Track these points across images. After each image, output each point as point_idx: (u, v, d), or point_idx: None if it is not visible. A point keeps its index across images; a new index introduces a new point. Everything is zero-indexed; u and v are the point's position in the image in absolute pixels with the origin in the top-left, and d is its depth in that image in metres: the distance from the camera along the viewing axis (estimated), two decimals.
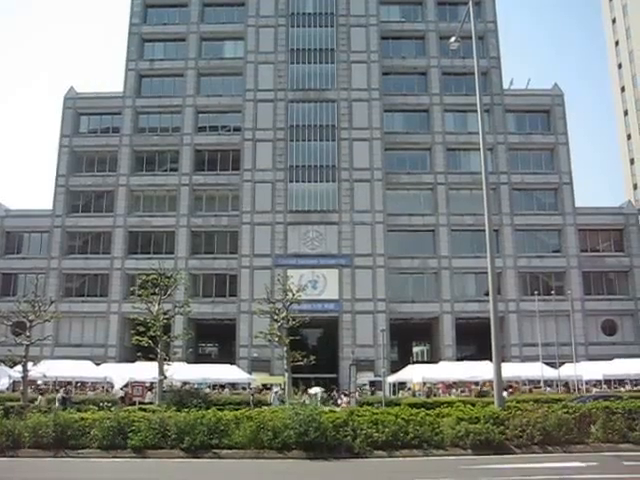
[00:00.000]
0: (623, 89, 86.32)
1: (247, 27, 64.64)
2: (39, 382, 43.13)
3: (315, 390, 42.71)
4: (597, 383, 44.58)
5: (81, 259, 60.17)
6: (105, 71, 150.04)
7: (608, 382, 44.99)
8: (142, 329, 31.71)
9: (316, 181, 60.01)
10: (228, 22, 66.08)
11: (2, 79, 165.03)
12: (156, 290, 33.26)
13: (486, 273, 21.52)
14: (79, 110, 64.28)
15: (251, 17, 64.84)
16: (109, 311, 58.34)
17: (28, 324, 33.93)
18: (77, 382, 44.74)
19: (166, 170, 63.00)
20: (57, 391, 34.36)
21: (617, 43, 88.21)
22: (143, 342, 31.74)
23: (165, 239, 60.57)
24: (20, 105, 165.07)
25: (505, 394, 37.99)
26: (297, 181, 60.01)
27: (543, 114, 64.54)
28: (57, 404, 25.75)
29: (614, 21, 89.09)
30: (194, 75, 64.48)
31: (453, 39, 24.34)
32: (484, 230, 21.20)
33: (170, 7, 67.30)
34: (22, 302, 34.78)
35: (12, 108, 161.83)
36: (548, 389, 43.51)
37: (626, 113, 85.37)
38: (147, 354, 32.88)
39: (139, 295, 33.38)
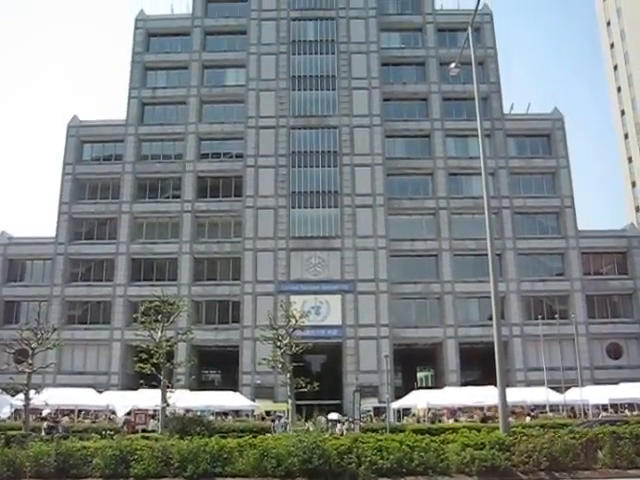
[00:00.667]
0: (623, 112, 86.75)
1: (249, 55, 65.23)
2: (45, 412, 42.84)
3: (333, 416, 42.67)
4: (603, 407, 44.15)
5: (84, 286, 60.14)
6: (108, 99, 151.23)
7: (615, 406, 44.59)
8: (145, 356, 31.55)
9: (318, 207, 60.12)
10: (230, 50, 66.78)
11: (8, 108, 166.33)
12: (159, 317, 33.17)
13: (489, 297, 21.43)
14: (82, 138, 64.69)
15: (253, 45, 65.46)
16: (112, 338, 58.16)
17: (30, 352, 33.80)
18: (79, 410, 44.46)
19: (168, 197, 63.20)
20: (53, 419, 34.10)
21: (616, 67, 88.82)
22: (146, 369, 31.54)
23: (168, 266, 60.56)
24: (24, 133, 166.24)
25: (528, 419, 37.71)
26: (299, 207, 60.13)
27: (544, 138, 64.80)
28: (43, 433, 25.48)
29: (612, 46, 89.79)
30: (196, 103, 64.95)
31: (453, 65, 24.47)
32: (487, 254, 21.16)
33: (172, 36, 68.01)
34: (24, 330, 34.69)
35: (16, 136, 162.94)
36: (551, 414, 43.04)
37: (626, 136, 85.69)
38: (150, 381, 32.71)
39: (142, 322, 33.25)
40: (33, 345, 33.80)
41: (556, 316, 54.38)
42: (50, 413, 38.56)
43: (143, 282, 58.84)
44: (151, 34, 68.29)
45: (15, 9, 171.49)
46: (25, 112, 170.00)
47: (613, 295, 61.08)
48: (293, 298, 54.70)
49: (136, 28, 67.92)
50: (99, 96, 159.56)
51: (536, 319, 54.27)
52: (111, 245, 60.94)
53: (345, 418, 43.15)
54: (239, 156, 62.93)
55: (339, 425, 39.31)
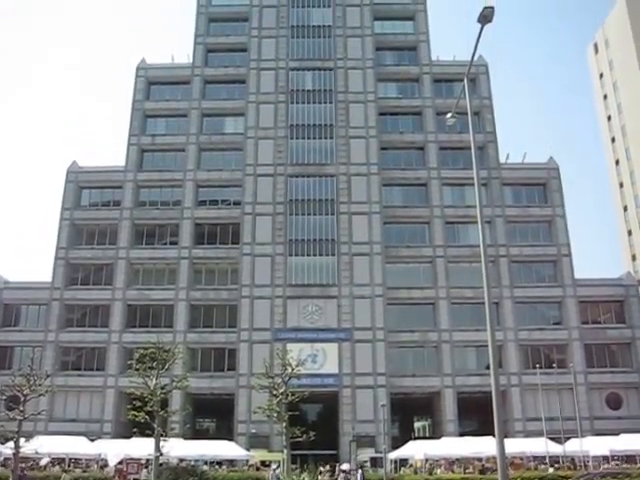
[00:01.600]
0: (617, 162, 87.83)
1: (248, 103, 66.07)
2: (43, 461, 42.11)
3: (345, 467, 42.29)
4: (604, 459, 43.56)
5: (79, 332, 59.68)
6: (107, 145, 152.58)
7: (615, 458, 43.99)
8: (139, 404, 31.22)
9: (315, 255, 60.16)
10: (229, 99, 67.68)
11: (5, 151, 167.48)
12: (154, 364, 32.93)
13: (487, 346, 21.26)
14: (81, 184, 65.00)
15: (252, 94, 66.36)
16: (105, 385, 57.48)
17: (22, 398, 33.41)
18: (70, 459, 43.71)
19: (166, 243, 63.24)
20: (21, 469, 33.46)
21: (609, 118, 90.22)
22: (139, 417, 31.18)
23: (164, 312, 60.23)
24: (22, 178, 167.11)
25: (551, 470, 37.02)
26: (296, 255, 60.16)
27: (540, 187, 65.26)
28: None
29: (605, 97, 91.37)
30: (195, 150, 65.51)
31: (449, 115, 24.70)
32: (484, 303, 21.09)
33: (173, 84, 68.98)
34: (17, 376, 34.35)
35: (15, 181, 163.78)
36: (551, 469, 42.36)
37: (621, 185, 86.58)
38: (143, 430, 32.28)
39: (136, 369, 33.00)
40: (25, 392, 33.45)
41: (554, 365, 53.93)
42: (38, 462, 37.99)
43: (139, 328, 58.51)
44: (152, 82, 69.27)
45: (18, 55, 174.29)
46: (24, 157, 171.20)
47: (611, 344, 60.71)
48: (290, 346, 54.50)
49: (137, 76, 68.91)
50: (98, 142, 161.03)
51: (534, 368, 53.84)
52: (107, 291, 60.70)
53: (354, 467, 42.70)
54: (237, 203, 63.20)
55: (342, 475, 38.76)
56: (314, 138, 64.26)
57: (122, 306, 60.08)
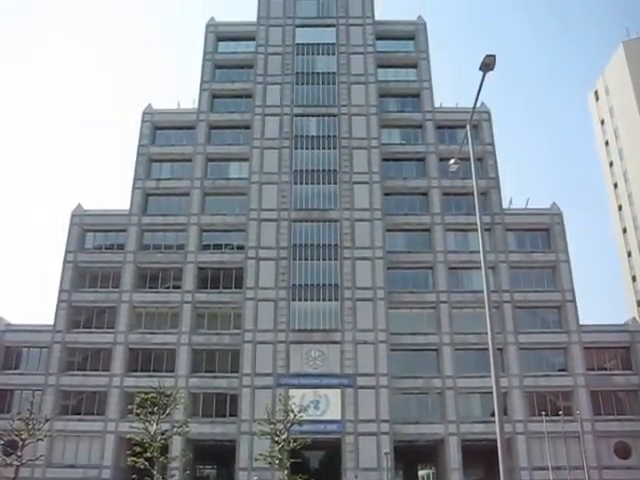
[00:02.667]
0: (620, 207, 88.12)
1: (252, 149, 66.65)
2: None
3: None
4: None
5: (79, 376, 59.21)
6: (112, 188, 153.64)
7: None
8: (139, 450, 30.82)
9: (319, 300, 59.94)
10: (234, 144, 68.32)
11: (10, 191, 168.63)
12: (155, 409, 32.63)
13: (492, 393, 21.04)
14: (85, 227, 65.26)
15: (256, 139, 67.00)
16: (105, 430, 56.76)
17: (20, 443, 33.02)
18: None
19: (169, 287, 63.15)
20: None
21: (611, 164, 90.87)
22: (139, 463, 30.77)
23: (166, 357, 59.84)
24: (25, 220, 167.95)
25: None
26: (300, 300, 59.96)
27: (543, 232, 65.30)
28: None
29: (607, 143, 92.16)
30: (199, 194, 65.87)
31: (452, 161, 24.89)
32: (488, 349, 20.91)
33: (178, 129, 69.75)
34: (16, 420, 34.01)
35: (17, 222, 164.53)
36: None
37: (625, 230, 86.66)
38: (143, 476, 31.86)
39: (137, 414, 32.69)
40: (24, 436, 33.10)
41: (560, 412, 53.26)
42: None
43: (140, 373, 58.07)
44: (157, 127, 70.05)
45: (26, 93, 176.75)
46: (29, 198, 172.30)
47: (618, 391, 59.87)
48: (292, 392, 54.00)
49: (143, 121, 69.72)
50: (103, 185, 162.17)
51: (540, 415, 53.17)
52: (109, 334, 60.41)
53: None
54: (240, 248, 63.30)
55: None
56: (318, 183, 64.63)
57: (124, 350, 59.73)
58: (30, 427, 33.35)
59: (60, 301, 61.72)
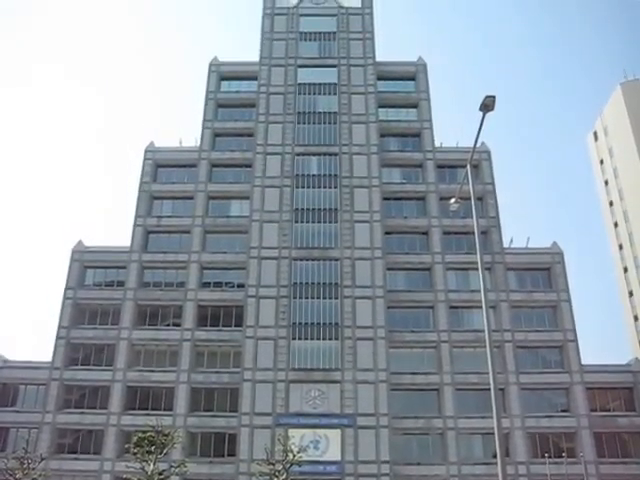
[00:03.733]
0: (621, 247, 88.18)
1: (253, 187, 66.96)
2: None
3: None
4: None
5: (77, 414, 58.56)
6: (113, 225, 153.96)
7: None
8: None
9: (319, 339, 59.62)
10: (235, 182, 68.65)
11: (9, 227, 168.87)
12: (152, 448, 32.22)
13: (493, 434, 20.79)
14: (85, 263, 65.23)
15: (257, 178, 67.35)
16: (102, 470, 55.95)
17: None
18: None
19: (169, 325, 62.88)
20: None
21: (611, 203, 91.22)
22: None
23: (164, 395, 59.29)
24: (25, 255, 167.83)
25: None
26: (300, 338, 59.63)
27: (544, 271, 65.19)
28: None
29: (606, 183, 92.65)
30: (200, 232, 65.98)
31: (453, 200, 25.02)
32: (490, 389, 20.72)
33: (180, 167, 70.17)
34: (11, 459, 33.57)
35: (17, 258, 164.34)
36: None
37: (626, 270, 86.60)
38: None
39: (134, 453, 32.27)
40: (18, 476, 32.64)
41: (564, 454, 52.55)
42: None
43: (138, 411, 57.49)
44: (159, 165, 70.48)
45: (30, 130, 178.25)
46: (28, 234, 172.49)
47: (622, 433, 59.06)
48: (291, 432, 53.44)
49: (145, 159, 70.19)
50: (105, 222, 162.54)
51: (543, 457, 52.45)
52: (107, 372, 59.95)
53: None
54: (241, 286, 63.17)
55: None
56: (319, 222, 64.78)
57: (122, 387, 59.23)
58: (25, 466, 32.87)
59: (59, 338, 61.40)
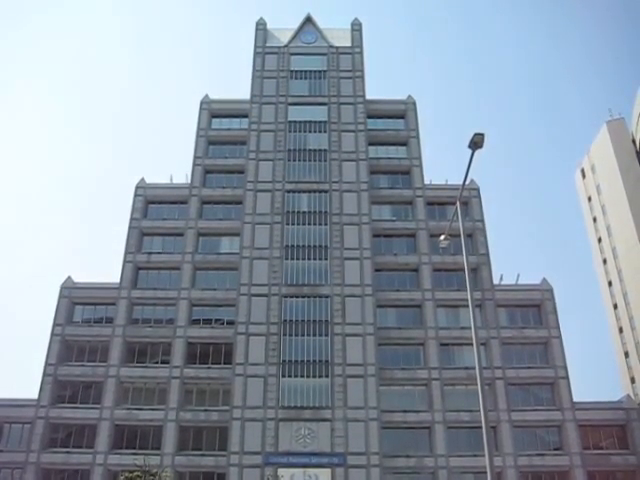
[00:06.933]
0: (610, 283, 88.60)
1: (243, 224, 67.00)
2: None
3: None
4: None
5: (62, 453, 57.49)
6: (102, 261, 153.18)
7: None
8: None
9: (309, 376, 59.16)
10: (225, 219, 68.71)
11: None
12: None
13: (486, 473, 20.56)
14: (74, 300, 64.76)
15: (248, 215, 67.43)
16: None
17: None
18: None
19: (157, 362, 62.27)
20: None
21: (600, 240, 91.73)
22: None
23: (152, 434, 58.43)
24: (12, 291, 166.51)
25: None
26: (290, 376, 59.15)
27: (534, 308, 65.20)
28: None
29: (595, 220, 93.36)
30: (190, 269, 65.78)
31: (442, 237, 25.14)
32: (481, 427, 20.55)
33: (170, 204, 70.23)
34: None
35: (4, 293, 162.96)
36: None
37: (615, 306, 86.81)
38: None
39: None
40: None
41: None
42: None
43: (125, 450, 56.56)
44: (150, 201, 70.53)
45: (18, 173, 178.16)
46: (16, 270, 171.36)
47: (616, 471, 58.32)
48: (281, 471, 52.72)
49: (136, 195, 70.24)
50: (93, 258, 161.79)
51: None
52: (95, 410, 59.09)
53: None
54: (230, 323, 62.80)
55: None
56: (309, 259, 64.76)
57: (109, 426, 58.33)
58: None
59: (46, 375, 60.58)
